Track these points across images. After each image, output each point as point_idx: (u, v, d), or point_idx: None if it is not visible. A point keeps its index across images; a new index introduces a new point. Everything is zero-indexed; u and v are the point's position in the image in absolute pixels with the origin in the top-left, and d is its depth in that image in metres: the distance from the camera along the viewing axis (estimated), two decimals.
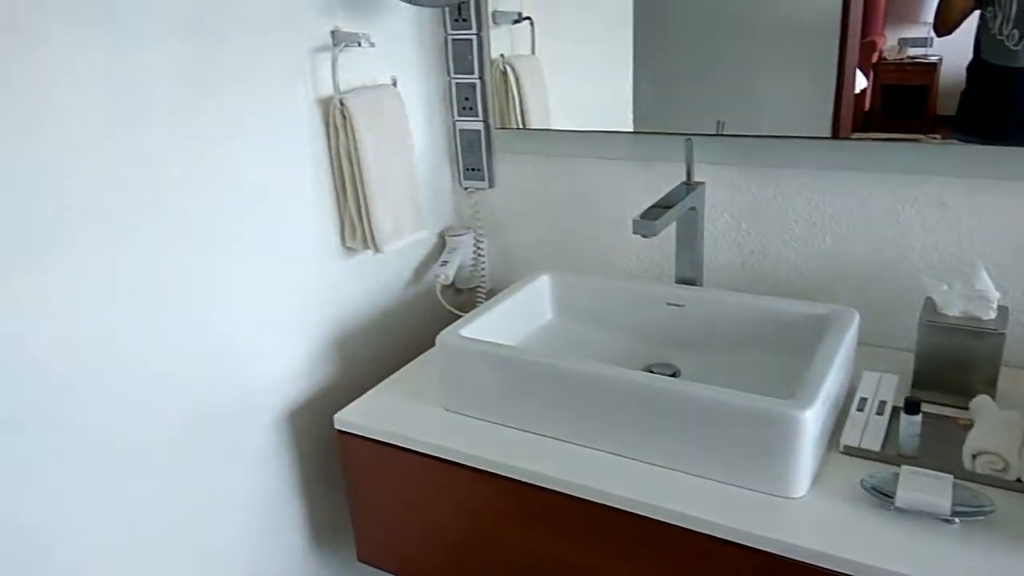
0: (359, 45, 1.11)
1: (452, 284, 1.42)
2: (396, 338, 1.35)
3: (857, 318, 1.01)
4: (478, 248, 1.43)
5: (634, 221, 0.97)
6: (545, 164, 1.35)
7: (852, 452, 0.92)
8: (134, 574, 0.98)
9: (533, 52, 1.37)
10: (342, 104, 1.11)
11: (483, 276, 1.44)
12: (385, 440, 1.05)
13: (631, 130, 1.26)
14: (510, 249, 1.43)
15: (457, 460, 0.99)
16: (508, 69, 1.37)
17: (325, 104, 1.13)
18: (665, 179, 1.24)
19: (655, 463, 0.92)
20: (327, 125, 1.14)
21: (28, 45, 0.79)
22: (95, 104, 0.85)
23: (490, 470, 0.97)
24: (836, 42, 1.11)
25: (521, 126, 1.37)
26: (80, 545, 0.91)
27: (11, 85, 0.78)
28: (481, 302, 1.42)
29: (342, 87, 1.12)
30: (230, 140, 1.01)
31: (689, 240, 1.13)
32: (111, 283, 0.90)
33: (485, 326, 1.10)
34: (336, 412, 1.08)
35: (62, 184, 0.84)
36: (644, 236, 0.97)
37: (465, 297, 1.48)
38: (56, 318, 0.85)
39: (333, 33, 1.12)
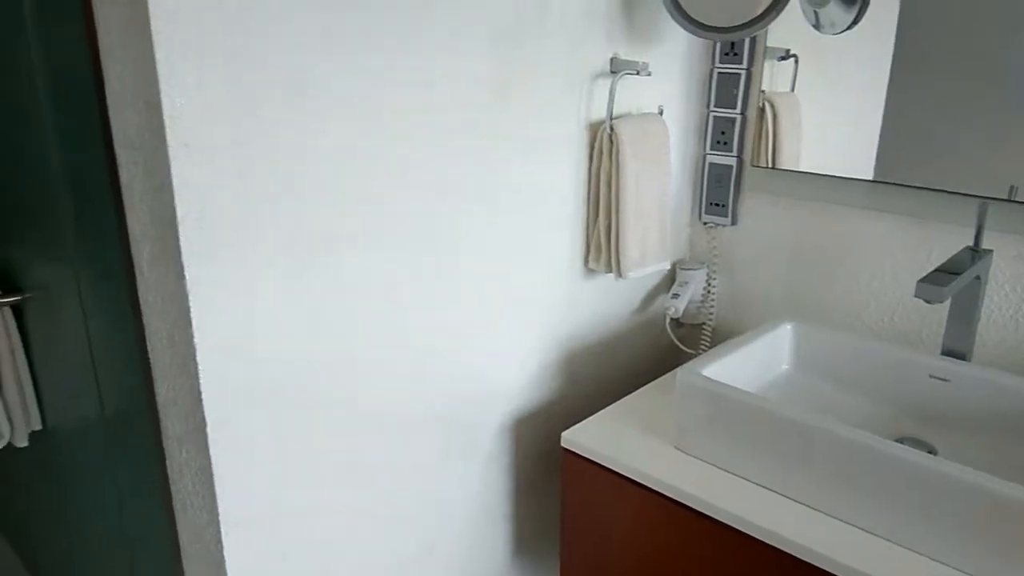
0: (637, 73, 1.12)
1: (676, 318, 1.40)
2: (619, 363, 1.35)
3: None
4: (709, 285, 1.39)
5: (919, 284, 0.91)
6: (792, 206, 1.30)
7: None
8: (367, 549, 1.04)
9: (792, 90, 1.32)
10: (612, 129, 1.12)
11: (711, 314, 1.40)
12: (611, 467, 1.04)
13: (890, 182, 1.18)
14: (742, 290, 1.39)
15: (685, 502, 0.97)
16: (767, 106, 1.33)
17: (594, 128, 1.15)
18: (929, 239, 1.15)
19: (901, 544, 0.86)
20: (591, 148, 1.16)
21: (362, 53, 0.86)
22: (407, 105, 0.92)
23: (716, 517, 0.94)
24: None
25: (770, 165, 1.33)
26: (327, 518, 0.98)
27: (336, 87, 0.85)
28: (706, 340, 1.39)
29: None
30: (507, 153, 1.05)
31: (966, 311, 1.04)
32: (383, 279, 0.96)
33: (724, 368, 1.07)
34: (555, 428, 1.09)
35: (376, 178, 0.90)
36: (928, 301, 0.90)
37: (686, 332, 1.45)
38: (330, 310, 0.91)
39: (612, 60, 1.14)
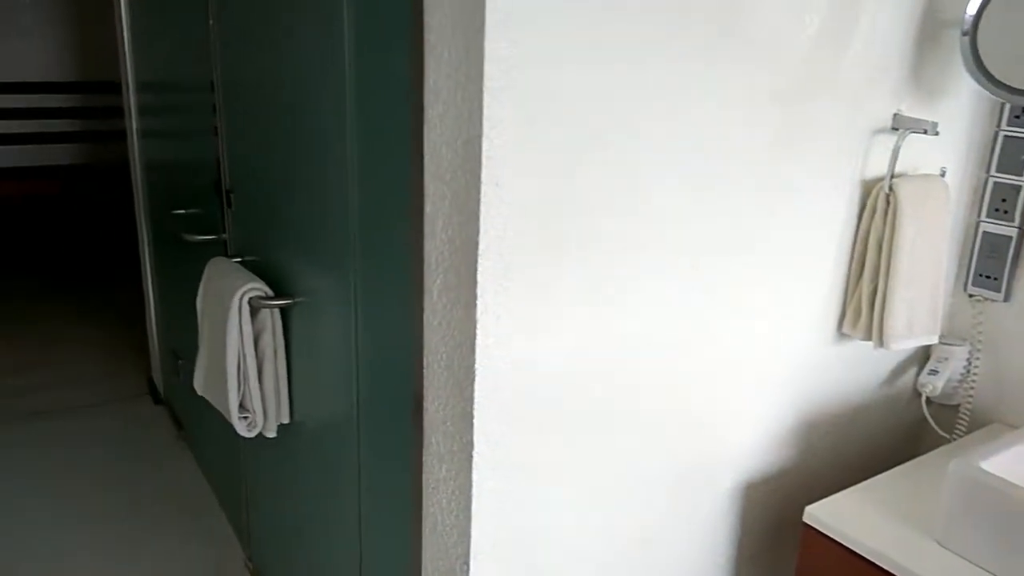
0: (924, 132, 1.05)
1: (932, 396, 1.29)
2: (859, 438, 1.26)
3: None
4: (971, 363, 1.27)
5: None
6: None
7: None
8: None
9: None
10: (891, 189, 1.06)
11: (969, 396, 1.27)
12: (862, 553, 0.97)
13: None
14: (1008, 372, 1.25)
15: None
16: None
17: (868, 186, 1.09)
18: None
19: None
20: (861, 207, 1.10)
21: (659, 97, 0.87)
22: (694, 151, 0.92)
23: None
24: None
25: None
26: (563, 555, 0.98)
27: (632, 136, 0.86)
28: (962, 424, 1.26)
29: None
30: (774, 206, 1.02)
31: None
32: (641, 324, 0.95)
33: (1001, 462, 0.96)
34: (787, 498, 1.03)
35: (654, 222, 0.91)
36: None
37: (935, 411, 1.33)
38: (594, 352, 0.92)
39: (895, 116, 1.07)
